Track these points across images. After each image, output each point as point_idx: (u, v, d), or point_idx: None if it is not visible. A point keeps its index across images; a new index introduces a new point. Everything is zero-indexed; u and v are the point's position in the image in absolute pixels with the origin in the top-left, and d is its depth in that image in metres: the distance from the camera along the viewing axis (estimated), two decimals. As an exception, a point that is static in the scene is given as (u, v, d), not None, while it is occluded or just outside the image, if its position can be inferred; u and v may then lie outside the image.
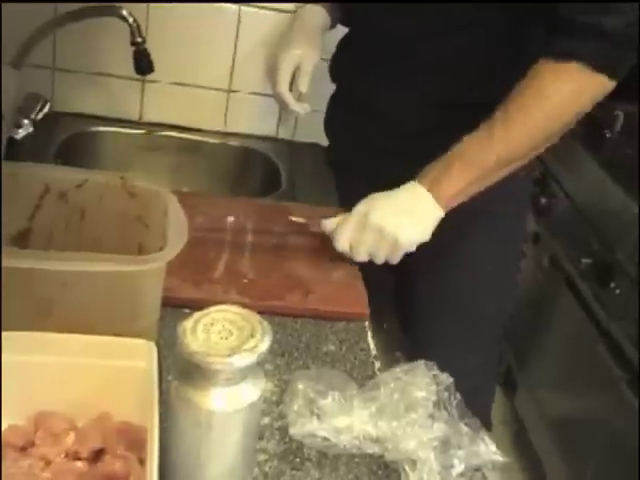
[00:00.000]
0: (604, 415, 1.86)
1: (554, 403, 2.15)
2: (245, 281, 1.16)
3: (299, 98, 1.37)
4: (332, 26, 1.46)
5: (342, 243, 1.17)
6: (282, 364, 1.03)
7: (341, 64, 1.43)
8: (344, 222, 1.17)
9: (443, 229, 1.18)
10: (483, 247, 1.35)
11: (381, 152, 1.36)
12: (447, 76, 1.28)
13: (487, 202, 1.21)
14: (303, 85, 1.35)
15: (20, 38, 1.36)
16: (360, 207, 1.16)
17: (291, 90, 1.37)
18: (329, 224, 1.20)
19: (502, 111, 1.15)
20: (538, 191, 2.23)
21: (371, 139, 1.38)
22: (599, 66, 1.12)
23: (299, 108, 1.37)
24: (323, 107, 1.51)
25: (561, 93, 1.13)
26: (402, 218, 1.14)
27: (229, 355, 0.72)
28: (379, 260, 1.16)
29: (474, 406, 0.93)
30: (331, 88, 1.49)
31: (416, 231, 1.15)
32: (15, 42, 1.36)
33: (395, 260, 1.16)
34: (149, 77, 1.47)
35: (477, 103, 1.23)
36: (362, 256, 1.16)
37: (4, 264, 0.78)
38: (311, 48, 1.36)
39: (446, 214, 1.17)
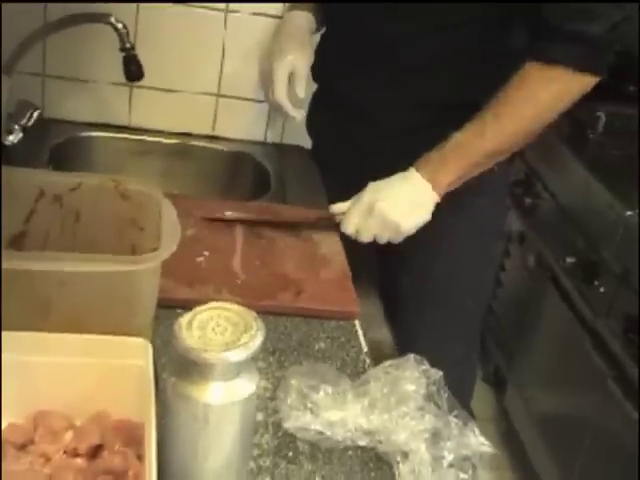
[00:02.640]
0: (591, 411, 1.89)
1: (542, 400, 2.17)
2: (238, 282, 1.18)
3: (295, 103, 1.40)
4: (318, 29, 1.48)
5: (350, 228, 1.26)
6: (274, 362, 1.05)
7: (323, 63, 1.45)
8: (351, 209, 1.26)
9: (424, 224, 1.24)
10: (462, 240, 1.39)
11: (364, 150, 1.40)
12: (429, 77, 1.32)
13: (466, 196, 1.28)
14: (300, 90, 1.38)
15: (10, 45, 1.38)
16: (365, 196, 1.24)
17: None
18: (337, 208, 1.29)
19: (491, 111, 1.22)
20: (523, 192, 2.26)
21: (354, 137, 1.41)
22: (583, 68, 1.20)
23: (296, 114, 1.40)
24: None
25: (550, 94, 1.22)
26: (403, 207, 1.23)
27: (224, 350, 0.74)
28: (382, 241, 1.25)
29: (454, 397, 0.95)
30: (313, 89, 1.52)
31: (415, 218, 1.24)
32: (6, 49, 1.38)
33: (397, 241, 1.26)
34: (138, 82, 1.49)
35: (459, 104, 1.27)
36: (367, 239, 1.26)
37: (3, 266, 0.80)
38: (303, 53, 1.39)
39: None
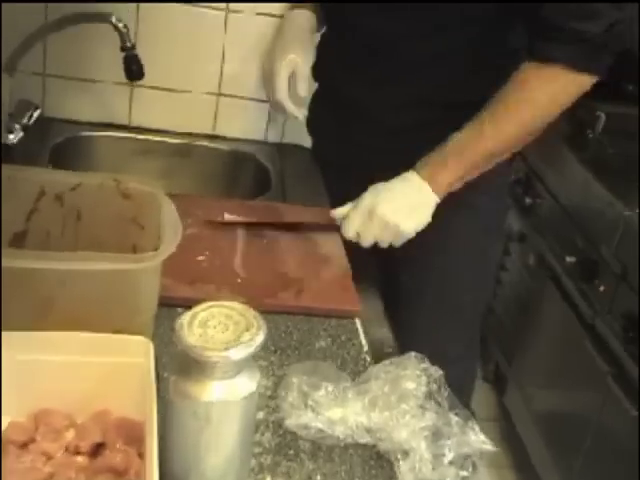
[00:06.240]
0: (591, 409, 1.89)
1: (542, 399, 2.18)
2: (239, 280, 1.18)
3: (296, 103, 1.40)
4: (319, 28, 1.48)
5: (350, 232, 1.25)
6: (275, 360, 1.06)
7: (322, 63, 1.45)
8: (352, 214, 1.25)
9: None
10: (462, 238, 1.39)
11: (365, 148, 1.40)
12: (428, 77, 1.32)
13: (466, 194, 1.28)
14: (303, 90, 1.38)
15: (11, 44, 1.38)
16: (366, 200, 1.23)
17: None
18: (338, 212, 1.29)
19: (490, 112, 1.23)
20: (523, 191, 2.26)
21: (355, 136, 1.42)
22: (580, 68, 1.20)
23: (298, 113, 1.40)
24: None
25: (547, 95, 1.22)
26: (404, 211, 1.23)
27: (225, 348, 0.74)
28: (384, 245, 1.25)
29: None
30: (314, 88, 1.52)
31: (416, 220, 1.24)
32: (7, 48, 1.38)
33: (398, 244, 1.26)
34: (138, 82, 1.49)
35: (459, 102, 1.27)
36: (368, 243, 1.25)
37: (4, 264, 0.80)
38: (305, 52, 1.38)
39: None
